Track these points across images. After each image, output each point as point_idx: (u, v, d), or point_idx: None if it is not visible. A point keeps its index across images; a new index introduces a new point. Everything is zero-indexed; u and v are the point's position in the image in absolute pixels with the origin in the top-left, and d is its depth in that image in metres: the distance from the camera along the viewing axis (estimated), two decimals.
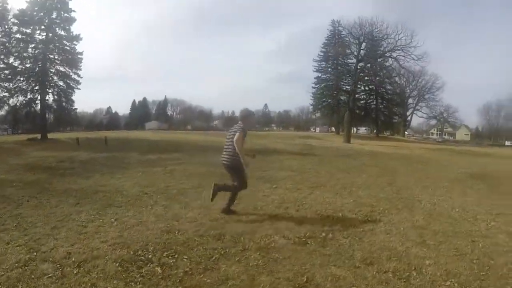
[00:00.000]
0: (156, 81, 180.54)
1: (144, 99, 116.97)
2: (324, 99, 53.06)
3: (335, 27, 48.23)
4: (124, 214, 5.88)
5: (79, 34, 28.15)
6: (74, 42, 28.47)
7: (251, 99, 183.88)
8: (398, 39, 33.60)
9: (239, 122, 6.10)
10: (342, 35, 44.68)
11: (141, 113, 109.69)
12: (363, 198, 8.19)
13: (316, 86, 51.37)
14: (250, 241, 4.66)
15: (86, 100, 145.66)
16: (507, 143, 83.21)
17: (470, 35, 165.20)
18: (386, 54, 35.78)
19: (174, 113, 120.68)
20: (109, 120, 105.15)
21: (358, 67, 37.61)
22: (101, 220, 5.51)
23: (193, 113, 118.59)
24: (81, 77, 28.27)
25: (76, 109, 30.23)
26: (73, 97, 27.99)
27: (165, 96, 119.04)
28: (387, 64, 41.27)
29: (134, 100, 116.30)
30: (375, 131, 61.12)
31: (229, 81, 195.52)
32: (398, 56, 35.09)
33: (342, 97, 51.20)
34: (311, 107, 58.83)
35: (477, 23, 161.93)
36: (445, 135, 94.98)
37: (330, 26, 49.00)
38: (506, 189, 10.96)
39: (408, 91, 72.13)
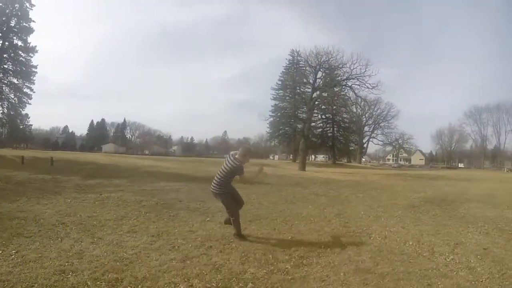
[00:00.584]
0: (116, 102, 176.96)
1: (103, 120, 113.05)
2: (281, 127, 52.69)
3: (294, 56, 48.60)
4: (28, 247, 5.15)
5: (35, 46, 26.36)
6: (30, 54, 26.58)
7: (210, 125, 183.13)
8: (353, 68, 33.96)
9: (237, 156, 6.03)
10: (300, 65, 44.84)
11: (98, 135, 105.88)
12: (303, 234, 6.99)
13: (273, 114, 50.81)
14: None
15: (43, 116, 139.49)
16: (460, 165, 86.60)
17: (423, 67, 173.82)
18: (341, 83, 35.82)
19: (133, 136, 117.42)
20: (65, 140, 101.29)
21: (314, 96, 37.33)
22: (0, 252, 4.80)
23: (151, 138, 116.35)
24: (34, 92, 26.25)
25: (31, 125, 27.80)
26: (29, 112, 25.77)
27: (124, 118, 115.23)
28: (343, 93, 41.49)
29: (92, 121, 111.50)
30: (331, 158, 61.18)
31: (188, 107, 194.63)
32: (353, 85, 35.40)
33: (299, 125, 50.80)
34: (268, 135, 58.24)
35: (430, 56, 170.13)
36: (400, 160, 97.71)
37: (289, 56, 49.40)
38: (463, 212, 10.29)
39: (364, 119, 74.34)
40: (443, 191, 16.30)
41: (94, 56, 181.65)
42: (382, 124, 74.07)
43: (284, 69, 49.24)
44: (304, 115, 47.93)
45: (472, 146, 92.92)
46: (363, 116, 73.28)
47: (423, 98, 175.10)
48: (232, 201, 6.09)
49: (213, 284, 4.00)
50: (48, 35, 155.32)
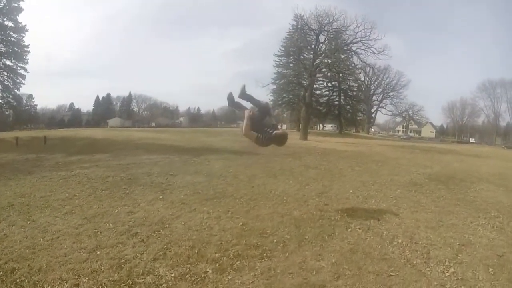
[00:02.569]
0: (121, 77, 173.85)
1: (108, 95, 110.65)
2: (284, 95, 50.45)
3: (298, 21, 45.29)
4: None
5: (25, 26, 25.11)
6: (21, 34, 25.32)
7: (216, 96, 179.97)
8: (358, 32, 31.41)
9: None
10: (304, 30, 41.97)
11: (104, 110, 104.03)
12: (261, 220, 5.60)
13: (276, 81, 48.39)
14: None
15: (50, 96, 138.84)
16: (471, 140, 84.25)
17: (435, 38, 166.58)
18: (344, 48, 33.35)
19: (140, 109, 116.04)
20: (71, 117, 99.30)
21: (317, 61, 35.00)
22: None
23: (158, 110, 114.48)
24: (28, 72, 25.29)
25: (36, 105, 26.99)
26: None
27: (130, 92, 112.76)
28: (351, 59, 39.05)
29: (97, 96, 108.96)
30: (338, 127, 59.35)
31: (195, 79, 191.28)
32: (357, 50, 32.83)
33: (303, 93, 48.82)
34: (271, 103, 56.16)
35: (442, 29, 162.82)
36: (410, 132, 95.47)
37: (293, 21, 46.18)
38: (473, 195, 8.68)
39: (373, 88, 71.74)
40: (451, 168, 14.55)
41: (98, 32, 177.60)
42: (391, 94, 71.50)
43: (288, 34, 45.97)
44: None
45: (484, 122, 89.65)
46: (372, 85, 70.78)
47: (434, 70, 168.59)
48: None
49: (101, 286, 3.43)
50: (53, 15, 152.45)
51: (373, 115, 74.48)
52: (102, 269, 3.73)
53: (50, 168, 10.54)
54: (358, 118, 63.82)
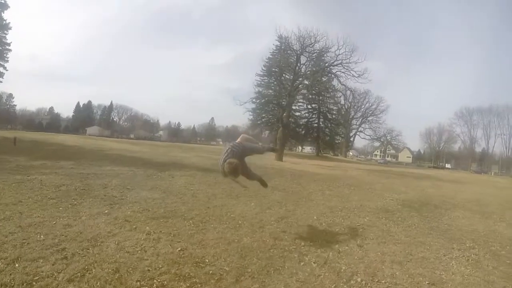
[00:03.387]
0: (104, 85, 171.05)
1: (89, 102, 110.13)
2: (264, 115, 49.97)
3: (281, 42, 45.24)
4: None
5: (9, 23, 24.35)
6: (5, 32, 24.63)
7: (198, 111, 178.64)
8: (339, 54, 31.38)
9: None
10: (286, 50, 41.78)
11: (84, 117, 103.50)
12: (204, 247, 4.90)
13: (257, 101, 47.78)
14: None
15: (31, 97, 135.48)
16: (447, 165, 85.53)
17: (415, 65, 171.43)
18: (326, 70, 33.27)
19: (120, 120, 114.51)
20: (50, 121, 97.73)
21: (296, 82, 34.77)
22: None
23: (138, 122, 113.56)
24: (7, 70, 24.48)
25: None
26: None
27: (111, 101, 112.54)
28: (328, 80, 39.00)
29: (78, 103, 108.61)
30: (316, 150, 59.12)
31: (177, 92, 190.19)
32: (337, 72, 32.75)
33: (280, 114, 48.60)
34: (250, 122, 55.59)
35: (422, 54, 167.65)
36: (388, 157, 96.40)
37: (277, 41, 46.10)
38: (447, 223, 8.19)
39: (353, 112, 72.19)
40: (427, 193, 14.09)
41: (86, 38, 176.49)
42: (370, 118, 72.40)
43: (271, 55, 46.07)
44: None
45: (461, 148, 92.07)
46: (351, 109, 71.46)
47: (413, 96, 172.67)
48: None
49: None
50: (39, 16, 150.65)
51: (351, 139, 74.73)
52: (12, 284, 3.35)
53: (9, 171, 9.94)
54: (337, 141, 63.91)
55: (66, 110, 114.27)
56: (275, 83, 43.77)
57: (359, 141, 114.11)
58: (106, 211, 6.29)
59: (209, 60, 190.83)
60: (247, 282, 3.86)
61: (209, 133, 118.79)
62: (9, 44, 25.34)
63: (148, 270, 3.93)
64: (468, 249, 6.01)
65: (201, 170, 14.74)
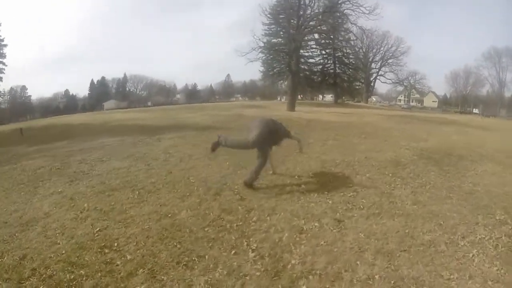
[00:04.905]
0: (117, 58, 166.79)
1: (103, 78, 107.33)
2: (275, 65, 47.08)
3: None
4: None
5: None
6: None
7: (214, 71, 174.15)
8: None
9: None
10: None
11: (100, 93, 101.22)
12: (127, 225, 4.29)
13: (265, 51, 44.45)
14: None
15: (47, 84, 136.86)
16: (474, 110, 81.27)
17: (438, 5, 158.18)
18: (333, 9, 30.14)
19: (137, 90, 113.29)
20: (66, 104, 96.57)
21: (302, 26, 31.81)
22: None
23: (154, 88, 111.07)
24: (6, 65, 24.25)
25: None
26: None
27: (125, 73, 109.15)
28: (342, 23, 35.86)
29: (92, 80, 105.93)
30: (334, 97, 56.41)
31: (191, 55, 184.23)
32: (346, 10, 29.64)
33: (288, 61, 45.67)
34: (261, 74, 52.86)
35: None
36: (412, 102, 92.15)
37: None
38: (472, 181, 6.63)
39: (371, 55, 67.92)
40: (450, 141, 12.21)
41: (93, 14, 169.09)
42: (390, 61, 67.22)
43: (276, 1, 41.98)
44: (301, 51, 42.56)
45: (489, 92, 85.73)
46: (370, 52, 66.67)
47: (437, 37, 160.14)
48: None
49: None
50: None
51: (372, 84, 71.11)
52: None
53: (2, 163, 9.25)
54: (357, 87, 60.86)
55: (82, 90, 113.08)
56: (283, 30, 40.35)
57: (382, 86, 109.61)
58: (60, 190, 5.82)
59: (221, 20, 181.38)
60: (139, 279, 3.00)
61: (227, 91, 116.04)
62: (2, 40, 24.59)
63: (50, 257, 3.53)
64: (498, 225, 4.41)
65: (197, 129, 13.59)
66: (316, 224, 4.15)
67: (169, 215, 4.46)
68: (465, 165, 8.01)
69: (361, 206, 4.85)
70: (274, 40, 41.66)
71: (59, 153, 9.56)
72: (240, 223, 4.20)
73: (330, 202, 5.04)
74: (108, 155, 8.62)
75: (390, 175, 6.64)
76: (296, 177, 6.41)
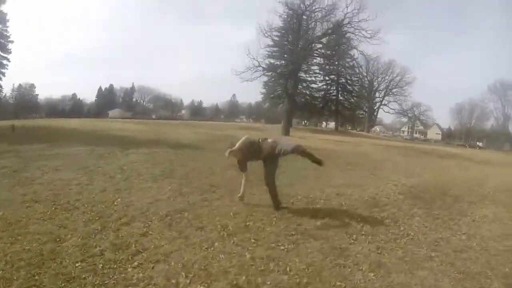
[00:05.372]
0: (127, 68, 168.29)
1: (111, 85, 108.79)
2: (277, 88, 46.02)
3: (294, 10, 40.69)
4: None
5: (7, 14, 24.24)
6: (6, 25, 24.45)
7: (221, 89, 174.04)
8: (347, 13, 27.26)
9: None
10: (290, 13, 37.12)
11: (106, 100, 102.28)
12: None
13: (269, 74, 43.53)
14: None
15: (54, 85, 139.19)
16: (478, 144, 79.81)
17: (445, 37, 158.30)
18: (334, 31, 29.30)
19: (143, 101, 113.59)
20: (72, 107, 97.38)
21: (300, 46, 30.95)
22: None
23: (160, 102, 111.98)
24: (9, 61, 24.10)
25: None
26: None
27: (133, 83, 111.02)
28: (345, 49, 35.04)
29: (100, 87, 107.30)
30: (335, 125, 55.18)
31: (200, 71, 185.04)
32: (347, 35, 28.88)
33: (299, 86, 44.73)
34: (262, 96, 51.82)
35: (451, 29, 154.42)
36: (416, 133, 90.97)
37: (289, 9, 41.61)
38: (468, 231, 5.27)
39: (376, 84, 67.28)
40: (448, 177, 10.79)
41: (107, 23, 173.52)
42: (394, 90, 66.70)
43: (282, 23, 41.27)
44: (303, 74, 41.58)
45: (493, 125, 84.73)
46: (375, 81, 66.22)
47: (443, 70, 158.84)
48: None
49: None
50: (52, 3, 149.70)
51: (375, 113, 70.13)
52: None
53: None
54: (360, 115, 59.83)
55: (90, 96, 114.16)
56: (286, 53, 39.46)
57: (387, 117, 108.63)
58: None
59: (237, 38, 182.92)
60: None
61: (232, 111, 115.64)
62: (9, 37, 24.55)
63: None
64: None
65: (173, 147, 12.75)
66: None
67: (58, 240, 3.98)
68: (461, 209, 6.54)
69: (287, 270, 3.43)
70: (273, 61, 40.56)
71: (30, 155, 9.41)
72: (114, 267, 3.43)
73: (248, 256, 3.75)
74: (66, 164, 8.33)
75: (358, 220, 5.15)
76: (231, 213, 5.04)
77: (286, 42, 37.26)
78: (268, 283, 3.29)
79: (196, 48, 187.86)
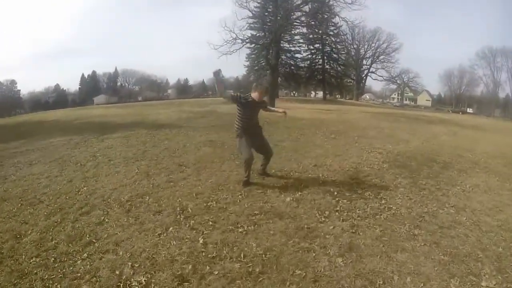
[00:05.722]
0: (108, 53, 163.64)
1: (94, 72, 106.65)
2: (261, 60, 44.78)
3: None
4: None
5: None
6: None
7: (206, 67, 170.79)
8: None
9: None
10: None
11: (90, 88, 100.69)
12: None
13: (251, 46, 42.16)
14: None
15: (39, 79, 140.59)
16: (468, 110, 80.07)
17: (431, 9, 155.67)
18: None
19: (128, 84, 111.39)
20: (56, 98, 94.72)
21: (279, 16, 29.70)
22: None
23: (146, 83, 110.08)
24: None
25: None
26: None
27: (116, 67, 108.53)
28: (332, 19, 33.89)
29: (83, 74, 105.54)
30: (323, 94, 54.47)
31: (183, 51, 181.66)
32: (328, 1, 27.47)
33: (282, 57, 43.66)
34: (246, 69, 50.63)
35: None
36: (406, 100, 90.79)
37: None
38: (457, 203, 4.71)
39: (363, 51, 66.35)
40: (437, 143, 10.23)
41: (85, 8, 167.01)
42: (381, 58, 65.71)
43: None
44: (287, 45, 40.64)
45: (483, 92, 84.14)
46: (361, 48, 65.30)
47: (432, 36, 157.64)
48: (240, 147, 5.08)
49: None
50: None
51: (363, 81, 69.46)
52: None
53: None
54: (348, 83, 59.10)
55: (73, 85, 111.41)
56: (270, 24, 37.94)
57: (377, 85, 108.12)
58: None
59: (214, 15, 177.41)
60: None
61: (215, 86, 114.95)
62: None
63: None
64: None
65: (151, 127, 12.19)
66: None
67: (18, 236, 3.74)
68: (450, 177, 5.99)
69: (241, 256, 2.98)
70: (259, 34, 39.34)
71: (5, 154, 8.82)
72: (65, 260, 3.22)
73: (201, 241, 3.39)
74: (40, 158, 7.82)
75: (334, 194, 4.55)
76: (193, 195, 4.43)
77: (266, 13, 35.89)
78: (216, 272, 2.90)
79: (180, 29, 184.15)
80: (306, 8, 29.03)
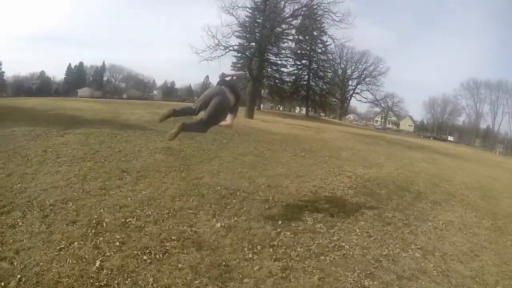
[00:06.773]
0: (99, 46, 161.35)
1: (81, 63, 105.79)
2: (245, 69, 44.36)
3: None
4: None
5: None
6: None
7: (194, 71, 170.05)
8: None
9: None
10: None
11: (76, 79, 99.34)
12: None
13: (238, 55, 41.77)
14: None
15: (23, 62, 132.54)
16: (450, 138, 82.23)
17: (423, 35, 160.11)
18: (301, 12, 27.66)
19: (114, 80, 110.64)
20: (40, 85, 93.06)
21: (266, 28, 29.44)
22: None
23: (133, 82, 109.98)
24: None
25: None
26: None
27: (103, 61, 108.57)
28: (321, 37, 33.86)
29: (69, 64, 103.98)
30: (305, 110, 54.49)
31: (173, 53, 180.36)
32: (317, 17, 27.76)
33: (268, 69, 43.52)
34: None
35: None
36: (389, 124, 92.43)
37: None
38: (426, 240, 4.11)
39: (349, 72, 67.42)
40: (412, 170, 9.57)
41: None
42: (367, 80, 66.82)
43: (254, 4, 39.17)
44: (272, 57, 40.57)
45: (465, 122, 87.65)
46: (348, 69, 66.10)
47: (418, 64, 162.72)
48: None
49: None
50: None
51: (347, 101, 70.35)
52: None
53: None
54: (333, 102, 59.32)
55: (59, 74, 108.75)
56: (258, 35, 37.64)
57: (362, 106, 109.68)
58: None
59: (208, 20, 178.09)
60: None
61: (202, 92, 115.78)
62: None
63: None
64: None
65: (117, 127, 11.31)
66: None
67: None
68: (422, 211, 5.33)
69: None
70: (247, 44, 39.09)
71: None
72: None
73: (97, 265, 2.75)
74: None
75: (279, 222, 3.78)
76: (118, 208, 3.70)
77: (256, 24, 35.69)
78: None
79: (173, 30, 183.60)
80: (294, 22, 28.92)
